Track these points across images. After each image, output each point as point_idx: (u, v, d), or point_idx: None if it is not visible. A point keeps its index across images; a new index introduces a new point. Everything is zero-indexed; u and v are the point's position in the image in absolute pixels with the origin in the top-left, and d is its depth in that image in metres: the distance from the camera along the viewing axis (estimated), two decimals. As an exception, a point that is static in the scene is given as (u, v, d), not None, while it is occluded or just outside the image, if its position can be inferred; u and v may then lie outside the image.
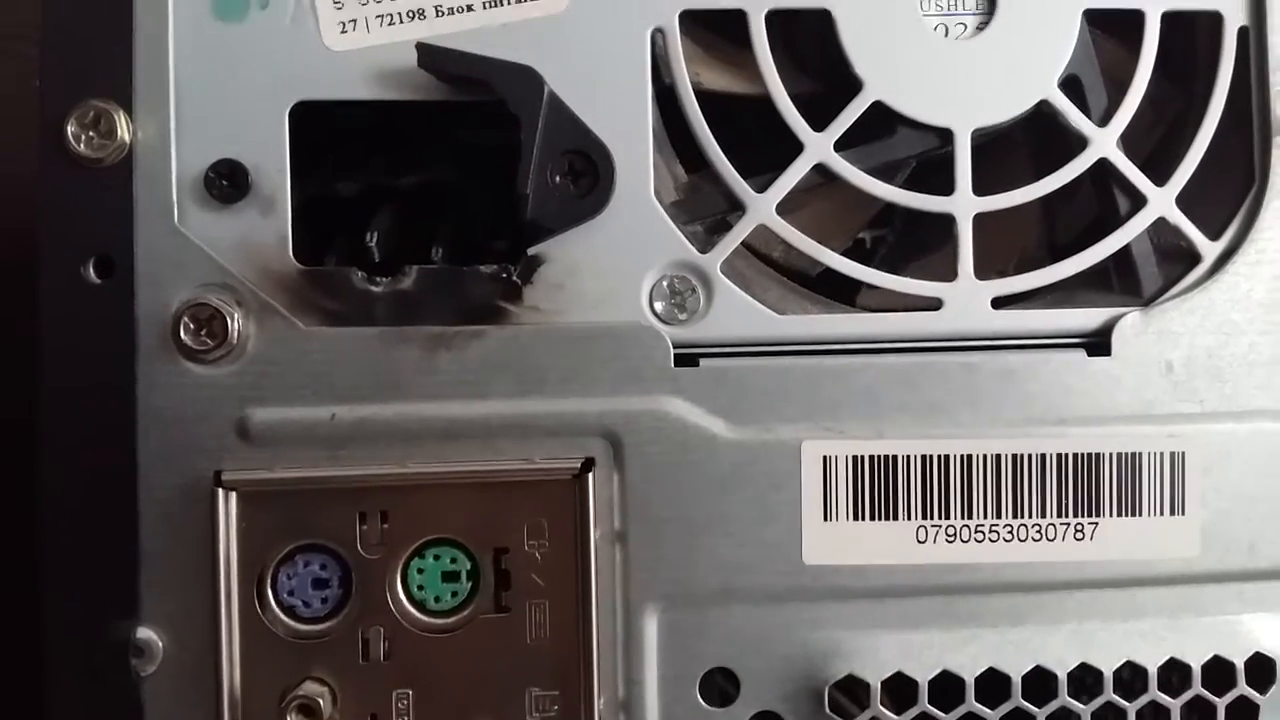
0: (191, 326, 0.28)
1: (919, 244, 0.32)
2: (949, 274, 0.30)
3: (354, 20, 0.29)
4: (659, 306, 0.29)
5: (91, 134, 0.28)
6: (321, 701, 0.27)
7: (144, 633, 0.28)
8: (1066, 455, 0.29)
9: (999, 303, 0.30)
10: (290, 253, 0.29)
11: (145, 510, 0.28)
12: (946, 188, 0.30)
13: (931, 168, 0.31)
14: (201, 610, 0.28)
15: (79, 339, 0.28)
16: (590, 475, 0.28)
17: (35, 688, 0.28)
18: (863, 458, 0.29)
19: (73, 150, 0.28)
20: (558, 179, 0.29)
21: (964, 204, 0.30)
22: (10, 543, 0.32)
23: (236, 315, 0.28)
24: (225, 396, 0.28)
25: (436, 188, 0.31)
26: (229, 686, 0.27)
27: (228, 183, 0.29)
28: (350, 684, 0.28)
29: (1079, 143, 0.30)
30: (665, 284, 0.29)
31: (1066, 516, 0.29)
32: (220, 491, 0.27)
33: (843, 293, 0.31)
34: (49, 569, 0.28)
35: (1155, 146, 0.32)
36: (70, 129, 0.28)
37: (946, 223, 0.30)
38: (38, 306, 0.28)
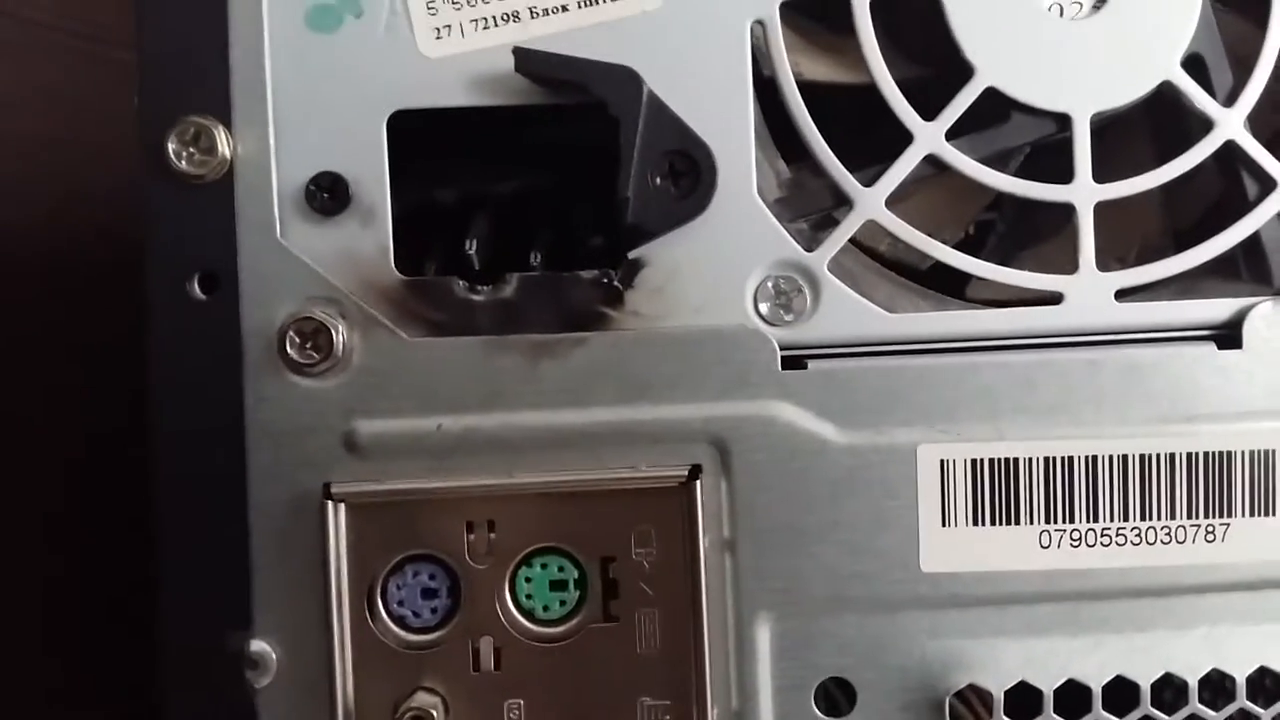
0: (297, 340, 0.28)
1: (1030, 232, 0.31)
2: (1063, 263, 0.28)
3: (448, 26, 0.28)
4: (764, 308, 0.28)
5: (192, 150, 0.28)
6: (435, 712, 0.27)
7: (258, 645, 0.28)
8: (1196, 454, 0.28)
9: (1122, 295, 0.28)
10: (392, 263, 0.28)
11: (256, 522, 0.28)
12: (1058, 173, 0.28)
13: (1041, 152, 0.29)
14: (314, 621, 0.28)
15: (186, 355, 0.28)
16: (698, 483, 0.27)
17: (152, 700, 0.29)
18: (982, 461, 0.28)
19: (174, 168, 0.28)
20: (658, 180, 0.28)
21: (1084, 192, 0.28)
22: (124, 555, 0.33)
23: (341, 328, 0.28)
24: (332, 409, 0.28)
25: (533, 192, 0.30)
26: (343, 697, 0.28)
27: (328, 195, 0.28)
28: (462, 694, 0.28)
29: (1202, 124, 0.28)
30: (770, 284, 0.28)
31: (1197, 518, 0.28)
32: (330, 504, 0.27)
33: (951, 284, 0.30)
34: (164, 582, 0.28)
35: (1283, 125, 0.30)
36: (171, 146, 0.28)
37: (1060, 210, 0.29)
38: (145, 323, 0.29)
